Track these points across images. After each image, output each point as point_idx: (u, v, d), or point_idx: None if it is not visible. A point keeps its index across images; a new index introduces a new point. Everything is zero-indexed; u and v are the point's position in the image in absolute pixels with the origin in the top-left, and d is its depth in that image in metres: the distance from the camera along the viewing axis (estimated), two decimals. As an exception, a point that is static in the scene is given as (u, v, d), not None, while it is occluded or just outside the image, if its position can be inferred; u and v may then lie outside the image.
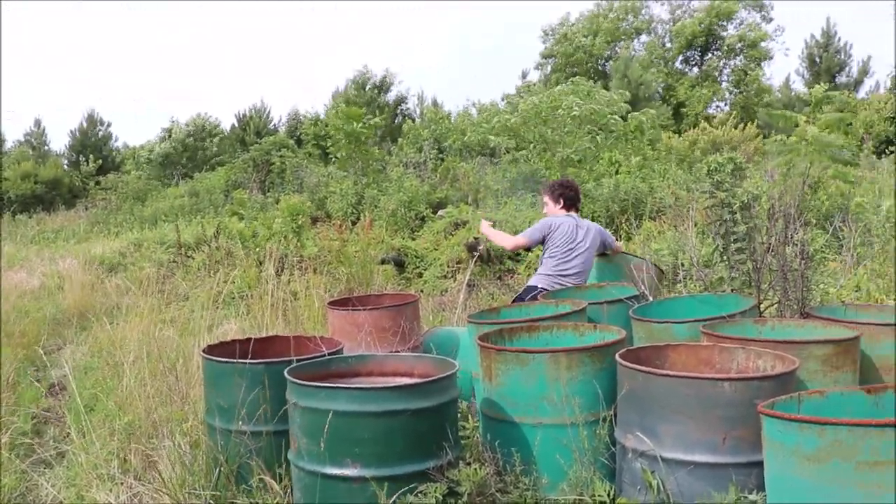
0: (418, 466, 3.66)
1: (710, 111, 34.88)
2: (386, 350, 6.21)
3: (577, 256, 6.93)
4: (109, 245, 19.75)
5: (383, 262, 12.17)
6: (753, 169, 14.22)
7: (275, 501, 4.01)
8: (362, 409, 3.60)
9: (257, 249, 13.40)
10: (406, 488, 3.59)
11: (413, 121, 32.44)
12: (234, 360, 4.45)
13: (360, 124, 19.30)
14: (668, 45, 38.28)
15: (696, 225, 9.14)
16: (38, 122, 45.82)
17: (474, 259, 11.30)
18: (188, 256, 14.84)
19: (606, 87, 22.07)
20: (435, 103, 41.68)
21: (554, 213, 7.27)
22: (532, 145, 16.43)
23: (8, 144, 48.16)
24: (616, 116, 15.76)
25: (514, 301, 6.74)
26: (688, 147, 18.33)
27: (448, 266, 12.14)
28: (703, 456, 3.43)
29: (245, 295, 11.32)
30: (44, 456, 6.35)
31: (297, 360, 4.26)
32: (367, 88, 38.54)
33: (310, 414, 3.70)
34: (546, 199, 7.41)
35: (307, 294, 10.45)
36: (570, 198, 7.31)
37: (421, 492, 3.57)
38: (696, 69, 38.12)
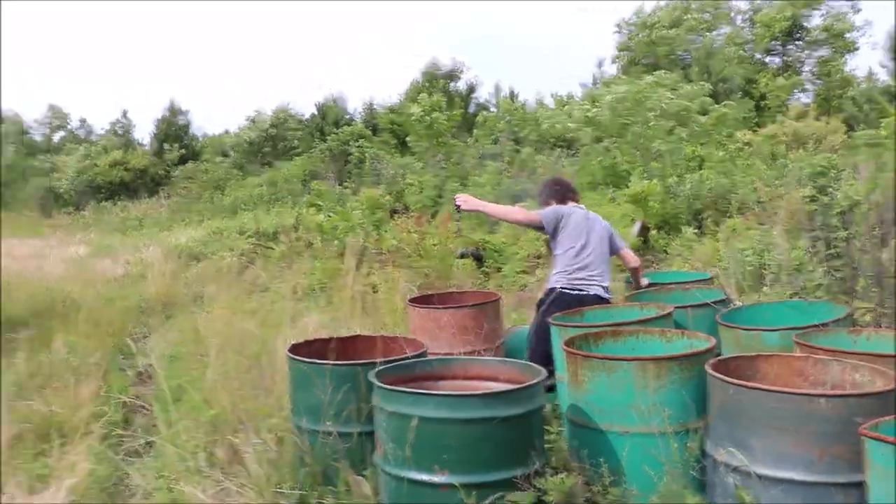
0: (505, 474, 3.64)
1: (791, 102, 34.07)
2: (468, 350, 6.21)
3: (591, 252, 6.26)
4: (191, 234, 20.10)
5: (462, 256, 12.15)
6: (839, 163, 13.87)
7: (361, 503, 4.03)
8: (450, 416, 3.60)
9: (336, 242, 13.51)
10: (493, 496, 3.57)
11: (487, 110, 32.32)
12: (321, 362, 4.48)
13: (441, 115, 19.32)
14: (750, 35, 37.48)
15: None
16: (124, 112, 46.79)
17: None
18: (267, 247, 15.02)
19: (688, 80, 21.75)
20: (512, 94, 41.52)
21: None
22: (614, 138, 16.25)
23: (93, 136, 49.43)
24: (696, 112, 15.53)
25: (538, 305, 6.25)
26: (767, 142, 17.91)
27: (527, 261, 12.08)
28: (799, 473, 3.35)
29: (325, 287, 11.42)
30: (133, 445, 6.51)
31: (382, 363, 4.27)
32: (437, 78, 38.54)
33: (396, 419, 3.72)
34: (544, 201, 6.64)
35: (387, 288, 10.51)
36: (569, 192, 6.64)
37: (509, 500, 3.55)
38: (777, 59, 37.29)
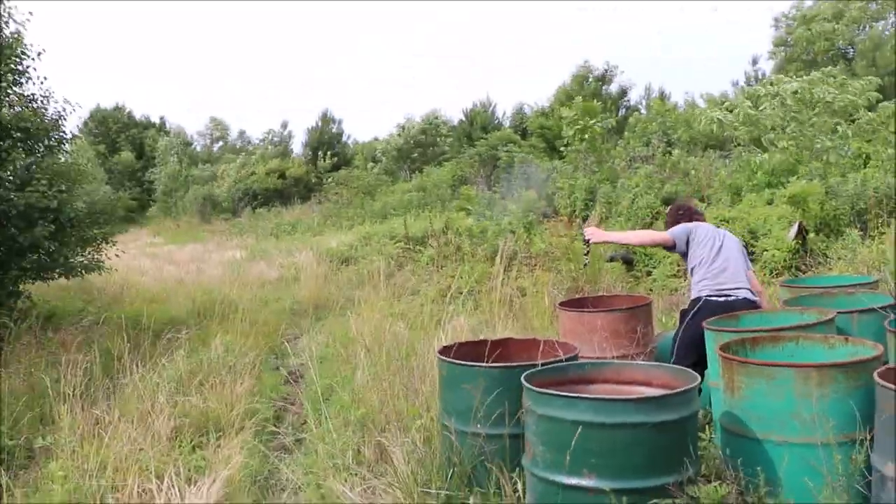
0: (657, 481, 3.52)
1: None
2: (620, 354, 6.09)
3: (729, 258, 6.18)
4: (341, 238, 20.54)
5: (612, 259, 11.95)
6: None
7: (509, 505, 3.99)
8: (602, 420, 3.51)
9: (485, 245, 13.53)
10: (644, 502, 3.46)
11: (639, 112, 31.80)
12: (473, 364, 4.47)
13: (594, 121, 19.14)
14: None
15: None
16: (284, 124, 48.52)
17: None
18: (416, 251, 15.17)
19: (853, 74, 20.80)
20: (662, 95, 40.76)
21: None
22: (775, 136, 15.63)
23: (250, 146, 51.46)
24: (863, 107, 14.77)
25: (682, 317, 6.16)
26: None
27: (679, 264, 11.78)
28: (977, 492, 3.11)
29: (473, 290, 11.44)
30: (284, 441, 6.68)
31: (534, 366, 4.22)
32: (589, 81, 38.20)
33: (546, 422, 3.66)
34: (671, 223, 6.64)
35: (535, 291, 10.45)
36: (694, 214, 6.69)
37: (662, 507, 3.45)
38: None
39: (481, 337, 7.68)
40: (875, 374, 3.55)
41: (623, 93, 39.03)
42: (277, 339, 11.00)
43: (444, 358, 4.67)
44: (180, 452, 5.69)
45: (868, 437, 3.71)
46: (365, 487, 5.12)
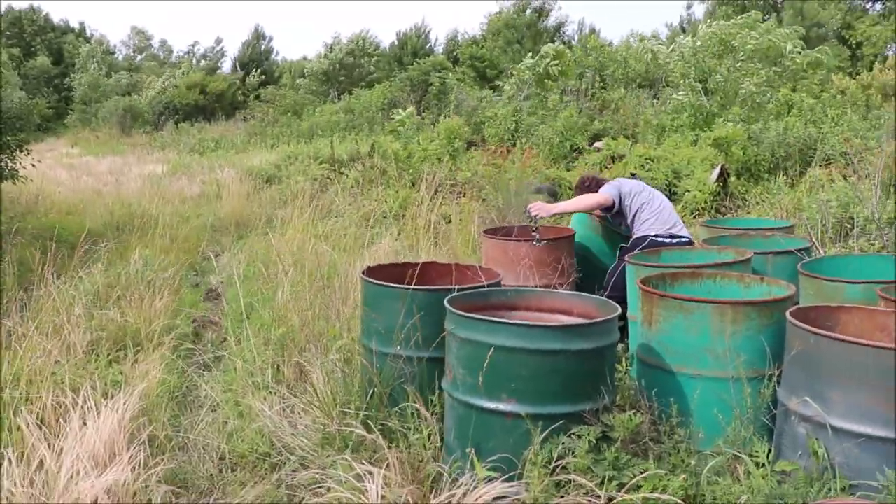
0: (573, 408, 3.59)
1: (890, 52, 32.76)
2: (543, 284, 6.15)
3: (665, 206, 6.52)
4: (266, 157, 20.23)
5: (538, 191, 12.01)
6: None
7: (426, 429, 4.03)
8: (523, 346, 3.54)
9: (411, 170, 13.46)
10: (559, 428, 3.53)
11: (571, 48, 31.79)
12: (397, 286, 4.46)
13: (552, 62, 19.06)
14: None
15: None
16: (218, 40, 47.34)
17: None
18: (341, 173, 15.03)
19: (779, 22, 21.04)
20: (592, 30, 40.76)
21: None
22: (701, 79, 15.78)
23: (173, 57, 50.19)
24: (796, 50, 14.96)
25: (621, 252, 6.29)
26: (861, 91, 17.30)
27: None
28: (877, 429, 3.22)
29: (398, 216, 11.40)
30: (203, 359, 6.63)
31: (458, 290, 4.23)
32: (526, 12, 37.99)
33: (468, 346, 3.68)
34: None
35: (461, 219, 10.46)
36: (598, 184, 6.85)
37: (574, 433, 3.51)
38: (878, 5, 35.85)
39: (404, 260, 7.70)
40: (787, 313, 3.65)
41: (559, 26, 38.99)
42: (198, 256, 10.86)
43: (366, 278, 4.65)
44: (96, 367, 5.61)
45: (776, 374, 3.82)
46: (284, 406, 5.12)
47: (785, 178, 11.63)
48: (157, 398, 5.18)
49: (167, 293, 7.84)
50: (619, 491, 3.35)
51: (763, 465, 3.53)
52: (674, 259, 5.55)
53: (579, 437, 3.50)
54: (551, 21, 39.18)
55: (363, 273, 4.78)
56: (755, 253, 5.42)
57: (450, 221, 10.61)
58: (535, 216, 6.38)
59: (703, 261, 5.33)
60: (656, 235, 6.22)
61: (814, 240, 5.81)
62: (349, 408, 4.54)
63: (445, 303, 3.90)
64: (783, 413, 3.59)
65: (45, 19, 53.47)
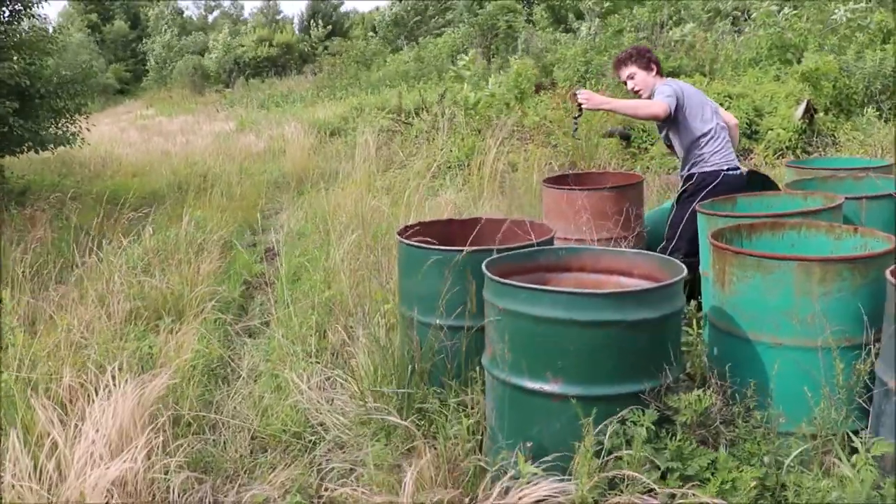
0: (631, 388, 3.07)
1: None
2: (605, 237, 5.62)
3: (727, 130, 5.53)
4: (333, 110, 19.89)
5: (609, 134, 11.39)
6: None
7: (466, 419, 3.52)
8: (569, 318, 3.02)
9: (477, 117, 12.93)
10: (614, 412, 3.02)
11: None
12: (430, 247, 3.97)
13: None
14: None
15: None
16: (277, -7, 46.99)
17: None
18: (407, 123, 14.58)
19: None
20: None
21: (648, 83, 5.55)
22: (791, 5, 14.77)
23: (245, 13, 50.18)
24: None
25: (688, 194, 5.41)
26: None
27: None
28: None
29: (463, 165, 10.96)
30: (250, 325, 6.27)
31: (499, 251, 3.73)
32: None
33: (508, 317, 3.17)
34: (633, 69, 5.55)
35: (527, 167, 9.95)
36: (658, 62, 5.68)
37: (631, 420, 3.00)
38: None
39: (458, 215, 7.24)
40: (888, 273, 3.05)
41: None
42: (256, 213, 10.56)
43: (402, 240, 4.16)
44: (128, 339, 5.26)
45: (874, 343, 3.25)
46: (324, 378, 4.72)
47: (878, 112, 10.75)
48: (189, 372, 4.81)
49: (217, 255, 7.55)
50: (683, 485, 2.85)
51: (857, 452, 2.95)
52: (752, 206, 4.93)
53: (636, 423, 2.99)
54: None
55: (399, 233, 4.28)
56: (847, 198, 4.75)
57: (516, 170, 10.10)
58: (581, 105, 5.26)
59: (787, 208, 4.70)
60: (728, 170, 5.38)
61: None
62: (388, 385, 4.10)
63: (483, 267, 3.39)
64: (882, 392, 3.00)
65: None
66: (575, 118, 5.52)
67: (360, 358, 4.48)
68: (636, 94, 5.61)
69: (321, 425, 4.20)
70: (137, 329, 5.55)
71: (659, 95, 5.26)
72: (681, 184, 5.52)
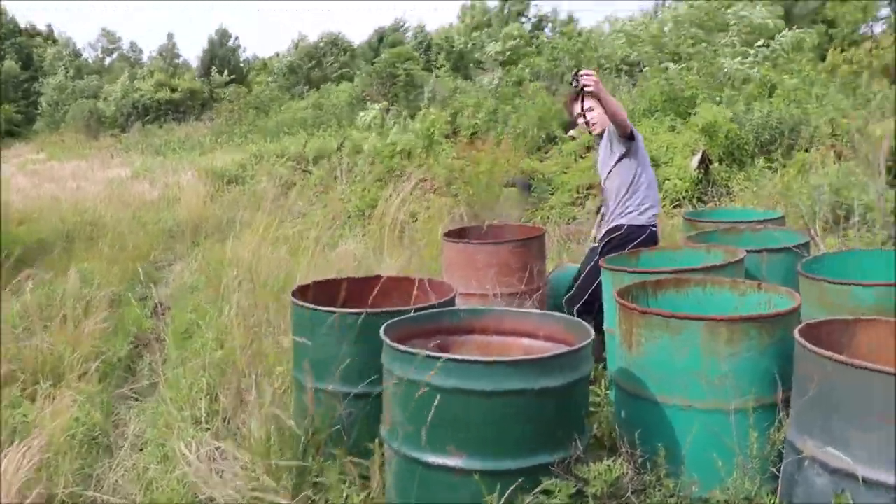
0: (538, 460, 2.89)
1: (865, 32, 32.25)
2: (508, 292, 5.48)
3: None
4: (231, 157, 19.53)
5: (511, 184, 11.38)
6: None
7: (363, 492, 3.30)
8: (472, 387, 2.85)
9: (380, 167, 12.81)
10: (522, 485, 2.84)
11: (546, 37, 31.22)
12: (326, 309, 3.74)
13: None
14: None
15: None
16: (170, 36, 46.41)
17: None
18: (307, 171, 14.37)
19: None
20: (570, 18, 40.12)
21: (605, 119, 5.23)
22: (679, 60, 15.12)
23: (146, 57, 49.38)
24: (778, 31, 14.33)
25: (607, 244, 5.22)
26: (849, 69, 16.64)
27: (577, 192, 11.28)
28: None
29: (363, 214, 10.79)
30: (136, 387, 5.93)
31: (397, 313, 3.53)
32: (506, 9, 37.35)
33: (407, 386, 2.98)
34: (591, 102, 5.22)
35: (429, 217, 9.83)
36: None
37: (543, 491, 2.83)
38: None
39: (362, 273, 7.04)
40: (796, 333, 2.97)
41: (539, 21, 38.41)
42: (149, 265, 10.16)
43: (295, 301, 3.93)
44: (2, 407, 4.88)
45: (783, 403, 3.17)
46: (213, 447, 4.43)
47: (769, 162, 11.00)
48: (66, 443, 4.46)
49: (105, 311, 7.16)
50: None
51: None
52: (655, 260, 4.87)
53: (549, 494, 2.82)
54: (532, 12, 38.65)
55: (292, 294, 4.04)
56: (747, 251, 4.73)
57: (417, 220, 9.97)
58: (584, 85, 4.90)
59: (690, 263, 4.65)
60: (654, 225, 5.26)
61: (812, 233, 5.13)
62: (283, 455, 3.84)
63: (381, 332, 3.20)
64: (795, 459, 2.89)
65: (13, 22, 52.36)
66: (575, 87, 5.10)
67: (253, 425, 4.21)
68: (590, 131, 5.45)
69: (211, 501, 3.92)
70: (13, 395, 5.17)
71: (621, 110, 5.06)
72: (603, 232, 5.37)
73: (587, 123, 5.39)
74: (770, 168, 10.68)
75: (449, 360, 2.89)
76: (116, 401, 5.60)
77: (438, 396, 2.88)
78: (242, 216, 11.21)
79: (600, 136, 5.33)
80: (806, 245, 5.07)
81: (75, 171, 22.45)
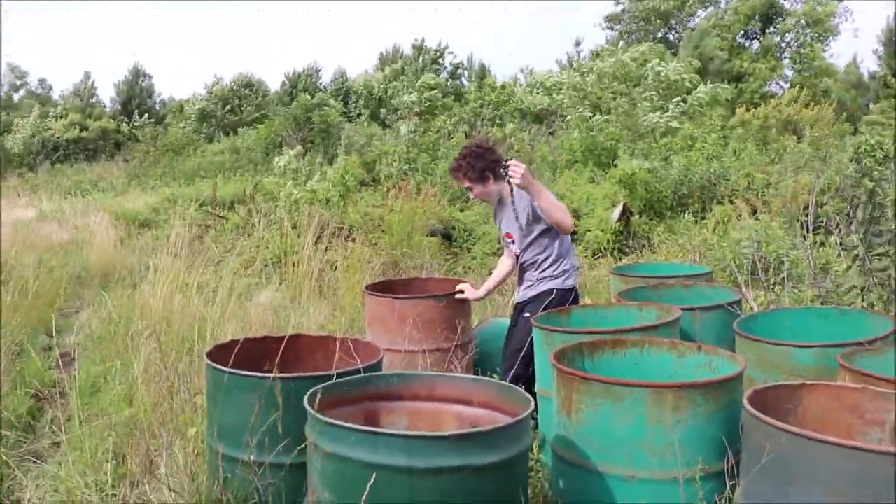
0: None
1: (769, 89, 33.40)
2: (434, 348, 5.29)
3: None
4: (144, 200, 19.04)
5: (432, 234, 11.23)
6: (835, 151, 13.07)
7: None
8: (407, 465, 2.63)
9: (296, 213, 12.53)
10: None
11: (463, 87, 31.47)
12: (240, 373, 3.48)
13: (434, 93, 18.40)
14: (730, 17, 36.63)
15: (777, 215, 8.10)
16: (87, 75, 45.48)
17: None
18: (221, 217, 14.01)
19: (673, 56, 20.91)
20: (483, 68, 40.53)
21: (489, 193, 5.16)
22: (602, 111, 15.26)
23: (55, 96, 48.24)
24: (693, 86, 14.59)
25: (532, 308, 4.99)
26: (758, 125, 17.12)
27: (498, 242, 11.17)
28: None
29: (280, 262, 10.50)
30: (35, 447, 5.55)
31: (320, 378, 3.29)
32: (421, 59, 37.52)
33: (335, 462, 2.74)
34: (467, 184, 5.16)
35: (348, 265, 9.60)
36: (496, 163, 5.06)
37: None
38: (756, 43, 36.48)
39: (280, 332, 6.78)
40: (745, 402, 2.84)
41: (455, 69, 38.69)
42: (54, 312, 9.69)
43: (210, 363, 3.65)
44: None
45: (731, 471, 3.04)
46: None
47: (689, 215, 11.11)
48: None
49: (4, 363, 6.75)
50: None
51: None
52: (587, 318, 4.73)
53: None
54: (447, 63, 38.88)
55: (207, 355, 3.75)
56: (681, 309, 4.62)
57: (335, 269, 9.73)
58: (510, 177, 4.64)
59: (623, 321, 4.53)
60: (576, 288, 5.13)
61: (744, 290, 5.07)
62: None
63: (305, 402, 2.95)
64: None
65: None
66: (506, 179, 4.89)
67: (165, 494, 3.92)
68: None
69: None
70: None
71: (558, 211, 4.81)
72: (528, 296, 5.15)
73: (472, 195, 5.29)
74: (695, 223, 10.76)
75: (382, 434, 2.66)
76: (14, 462, 5.20)
77: (371, 474, 2.63)
78: (155, 262, 10.83)
79: None
80: (738, 302, 4.99)
81: (-24, 213, 21.65)
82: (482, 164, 5.05)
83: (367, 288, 5.94)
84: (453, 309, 5.49)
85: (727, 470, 3.11)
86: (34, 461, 5.30)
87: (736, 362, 3.46)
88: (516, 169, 4.60)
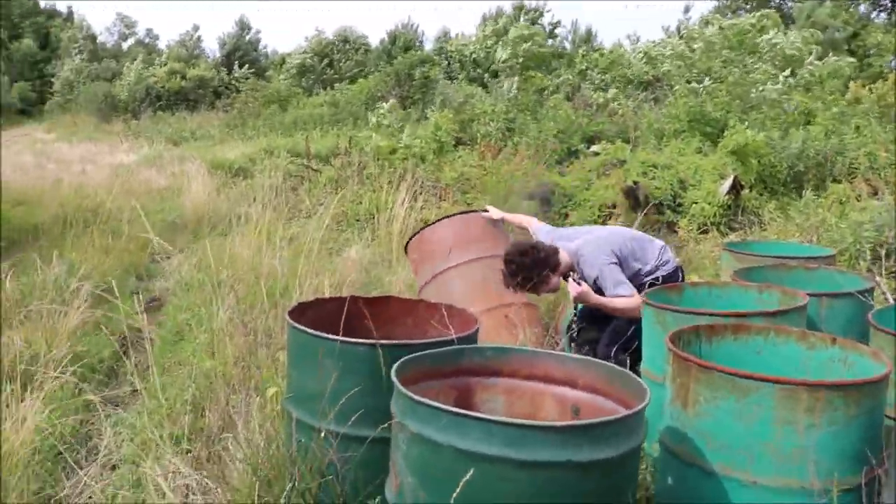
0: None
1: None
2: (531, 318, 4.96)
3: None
4: (241, 150, 19.06)
5: (530, 197, 10.83)
6: None
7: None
8: (504, 455, 2.30)
9: (391, 169, 12.27)
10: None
11: (563, 48, 30.76)
12: (325, 336, 3.17)
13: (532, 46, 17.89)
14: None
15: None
16: (195, 27, 46.19)
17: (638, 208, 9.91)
18: (315, 170, 13.84)
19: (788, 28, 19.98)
20: (589, 32, 39.66)
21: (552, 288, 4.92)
22: (709, 79, 14.54)
23: (162, 44, 49.12)
24: (815, 58, 13.79)
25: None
26: (882, 99, 16.17)
27: (599, 210, 10.72)
28: None
29: (373, 218, 10.28)
30: (116, 393, 5.42)
31: (410, 347, 2.98)
32: (522, 19, 36.86)
33: (421, 444, 2.44)
34: (522, 297, 5.21)
35: (440, 224, 9.34)
36: (544, 266, 4.75)
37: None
38: (883, 15, 34.68)
39: (369, 286, 6.56)
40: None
41: (553, 28, 37.93)
42: (146, 257, 9.65)
43: (291, 321, 3.36)
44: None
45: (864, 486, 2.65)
46: (196, 477, 3.88)
47: (809, 192, 10.46)
48: (28, 458, 3.94)
49: (89, 305, 6.62)
50: None
51: None
52: (700, 297, 4.33)
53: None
54: (545, 22, 38.14)
55: (289, 314, 3.44)
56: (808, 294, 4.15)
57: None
58: (573, 296, 4.63)
59: (741, 304, 4.10)
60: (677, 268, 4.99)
61: (877, 278, 4.58)
62: (266, 499, 3.30)
63: (393, 373, 2.64)
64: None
65: (33, 2, 52.19)
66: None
67: (238, 457, 3.68)
68: None
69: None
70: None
71: (619, 287, 4.64)
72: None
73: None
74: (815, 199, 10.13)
75: (481, 419, 2.32)
76: (93, 407, 5.06)
77: (461, 463, 2.31)
78: (247, 212, 10.72)
79: None
80: (870, 291, 4.50)
81: (83, 154, 22.05)
82: (535, 278, 4.73)
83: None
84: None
85: (865, 483, 2.70)
86: (114, 406, 5.18)
87: (879, 361, 3.01)
88: (575, 288, 4.58)
